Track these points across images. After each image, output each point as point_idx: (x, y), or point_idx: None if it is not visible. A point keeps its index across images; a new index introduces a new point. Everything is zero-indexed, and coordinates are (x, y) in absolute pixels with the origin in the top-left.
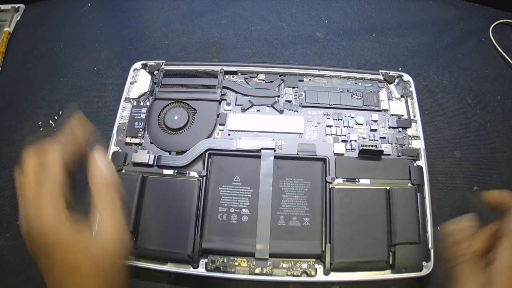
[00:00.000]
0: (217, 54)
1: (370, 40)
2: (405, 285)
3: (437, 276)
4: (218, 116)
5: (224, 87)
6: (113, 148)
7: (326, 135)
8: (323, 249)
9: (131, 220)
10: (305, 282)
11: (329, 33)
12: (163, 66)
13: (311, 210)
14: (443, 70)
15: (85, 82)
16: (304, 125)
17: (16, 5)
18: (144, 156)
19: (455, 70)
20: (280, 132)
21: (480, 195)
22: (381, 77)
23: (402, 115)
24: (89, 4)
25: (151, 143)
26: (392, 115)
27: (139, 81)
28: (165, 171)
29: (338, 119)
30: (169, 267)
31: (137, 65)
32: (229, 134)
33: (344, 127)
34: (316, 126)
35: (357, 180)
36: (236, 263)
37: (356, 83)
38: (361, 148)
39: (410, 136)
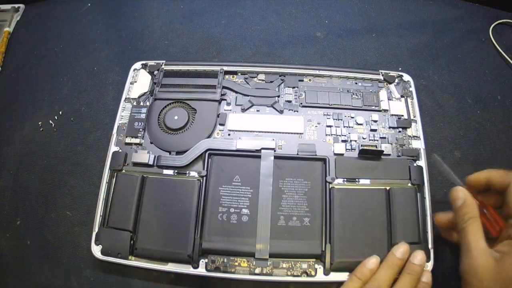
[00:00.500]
0: (217, 54)
1: (370, 40)
2: None
3: (437, 276)
4: (218, 116)
5: (224, 87)
6: (113, 148)
7: (326, 135)
8: (323, 249)
9: (131, 220)
10: (305, 282)
11: (329, 33)
12: (163, 66)
13: (311, 210)
14: (443, 70)
15: (85, 82)
16: (304, 125)
17: (16, 5)
18: (144, 156)
19: (455, 70)
20: (280, 132)
21: (466, 180)
22: (381, 77)
23: (402, 115)
24: (89, 4)
25: (151, 143)
26: (392, 115)
27: (139, 81)
28: (165, 171)
29: (338, 119)
30: (169, 267)
31: (137, 65)
32: (229, 134)
33: (344, 127)
34: (316, 126)
35: (357, 180)
36: (236, 263)
37: (356, 83)
38: (361, 148)
39: (410, 136)
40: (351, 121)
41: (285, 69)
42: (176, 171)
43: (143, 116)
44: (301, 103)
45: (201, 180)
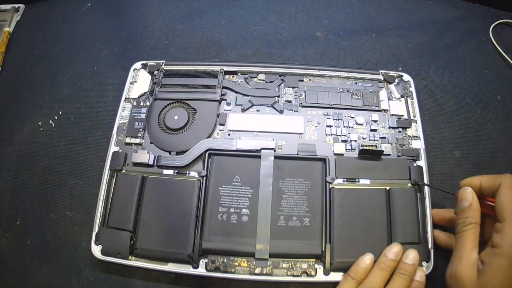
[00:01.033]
0: (217, 54)
1: (370, 40)
2: None
3: (437, 276)
4: (218, 116)
5: (224, 87)
6: (113, 148)
7: (326, 135)
8: (323, 249)
9: (131, 220)
10: (305, 282)
11: (329, 33)
12: (163, 66)
13: (311, 210)
14: (443, 70)
15: (85, 82)
16: (304, 125)
17: (16, 5)
18: (144, 156)
19: (455, 70)
20: (280, 132)
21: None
22: (381, 77)
23: (402, 115)
24: (89, 4)
25: (151, 143)
26: (392, 115)
27: (139, 81)
28: (165, 171)
29: (338, 119)
30: (169, 267)
31: (137, 65)
32: (229, 134)
33: (344, 127)
34: (316, 126)
35: (357, 180)
36: (236, 263)
37: (356, 83)
38: (361, 148)
39: (410, 136)
40: (351, 121)
41: (285, 69)
42: (176, 171)
43: (143, 116)
44: (301, 103)
45: (201, 180)
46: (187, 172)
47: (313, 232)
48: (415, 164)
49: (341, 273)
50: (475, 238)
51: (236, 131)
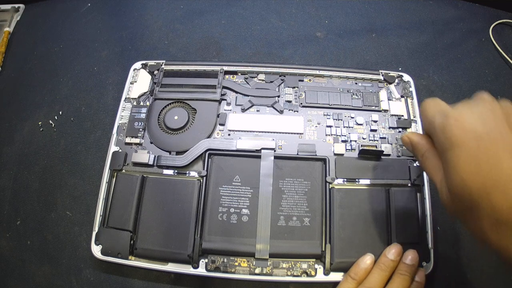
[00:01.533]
0: (217, 54)
1: (370, 40)
2: None
3: (437, 276)
4: (218, 116)
5: (224, 87)
6: (113, 148)
7: (326, 135)
8: (323, 249)
9: (131, 220)
10: (305, 282)
11: (329, 33)
12: (163, 66)
13: (311, 210)
14: (443, 70)
15: (85, 82)
16: (304, 125)
17: (16, 5)
18: (144, 156)
19: (455, 70)
20: (280, 132)
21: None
22: (381, 77)
23: (402, 115)
24: (89, 4)
25: (151, 143)
26: (392, 115)
27: (139, 81)
28: (165, 171)
29: (338, 119)
30: (169, 267)
31: (137, 65)
32: (229, 134)
33: (344, 127)
34: (316, 126)
35: (357, 180)
36: (236, 263)
37: (356, 83)
38: (361, 148)
39: None
40: (351, 121)
41: (285, 69)
42: (176, 171)
43: (143, 116)
44: (301, 103)
45: (201, 180)
46: (187, 172)
47: (313, 232)
48: (415, 164)
49: (341, 273)
50: (435, 162)
51: (236, 131)
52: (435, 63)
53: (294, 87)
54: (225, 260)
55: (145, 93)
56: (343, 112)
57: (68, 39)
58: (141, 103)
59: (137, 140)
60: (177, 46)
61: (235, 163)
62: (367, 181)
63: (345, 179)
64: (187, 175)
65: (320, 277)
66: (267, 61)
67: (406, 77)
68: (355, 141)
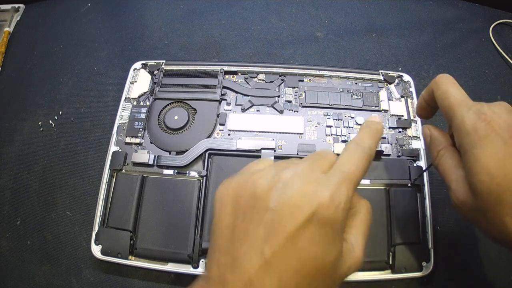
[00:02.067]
0: (217, 54)
1: (370, 40)
2: (405, 285)
3: (437, 276)
4: (218, 116)
5: (224, 87)
6: (113, 148)
7: (326, 135)
8: None
9: (131, 220)
10: None
11: (329, 33)
12: (163, 66)
13: None
14: (443, 70)
15: (85, 82)
16: (304, 125)
17: (16, 5)
18: (144, 156)
19: (455, 70)
20: (280, 132)
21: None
22: (381, 77)
23: (402, 116)
24: (89, 4)
25: (151, 143)
26: (392, 115)
27: (139, 81)
28: (165, 171)
29: (338, 119)
30: (169, 267)
31: (137, 65)
32: (229, 134)
33: (344, 127)
34: (316, 126)
35: None
36: None
37: (356, 83)
38: None
39: (410, 136)
40: (351, 121)
41: (285, 69)
42: (176, 171)
43: (143, 116)
44: (301, 103)
45: (201, 180)
46: (187, 172)
47: None
48: (415, 164)
49: None
50: (451, 160)
51: (236, 131)
52: (435, 63)
53: (294, 87)
54: None
55: (145, 93)
56: (343, 112)
57: (68, 39)
58: (141, 103)
59: (137, 140)
60: (177, 46)
61: (235, 163)
62: (367, 181)
63: None
64: (187, 175)
65: None
66: (267, 61)
67: (406, 77)
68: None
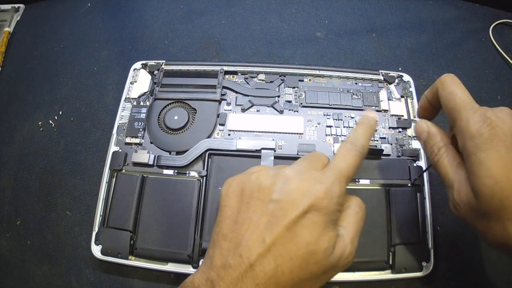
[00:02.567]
0: (217, 54)
1: (370, 40)
2: (405, 285)
3: (437, 276)
4: (218, 116)
5: (224, 87)
6: (113, 148)
7: (326, 135)
8: None
9: (131, 220)
10: None
11: (329, 33)
12: (163, 66)
13: None
14: (443, 70)
15: (85, 82)
16: (304, 125)
17: (16, 5)
18: (144, 156)
19: (455, 70)
20: (280, 132)
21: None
22: (381, 77)
23: (402, 116)
24: (89, 4)
25: (151, 143)
26: (392, 115)
27: (139, 81)
28: (165, 171)
29: (338, 119)
30: (169, 267)
31: (137, 65)
32: (229, 134)
33: (344, 127)
34: (316, 126)
35: (357, 180)
36: None
37: (356, 83)
38: None
39: (410, 136)
40: (351, 121)
41: (285, 69)
42: (176, 171)
43: (143, 116)
44: (301, 103)
45: (201, 180)
46: (187, 172)
47: None
48: (415, 164)
49: (341, 273)
50: (453, 159)
51: (236, 131)
52: (435, 63)
53: (294, 87)
54: None
55: (145, 93)
56: (343, 112)
57: (68, 39)
58: (141, 103)
59: (137, 140)
60: (177, 46)
61: (235, 163)
62: (367, 181)
63: None
64: (187, 175)
65: None
66: (267, 61)
67: (406, 77)
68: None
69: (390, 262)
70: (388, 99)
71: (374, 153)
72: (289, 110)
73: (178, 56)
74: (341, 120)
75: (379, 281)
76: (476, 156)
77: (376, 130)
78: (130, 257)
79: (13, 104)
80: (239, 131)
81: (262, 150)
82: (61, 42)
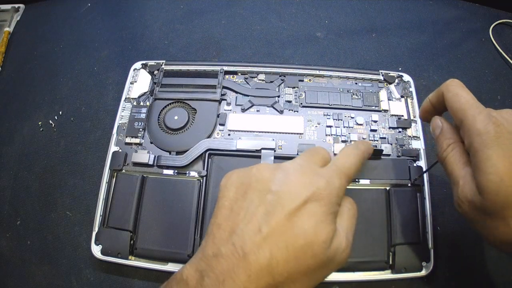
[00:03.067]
0: (217, 54)
1: (370, 40)
2: (405, 285)
3: (437, 276)
4: (218, 116)
5: (224, 87)
6: (113, 148)
7: (326, 135)
8: None
9: (131, 220)
10: None
11: (329, 33)
12: (163, 66)
13: None
14: (443, 70)
15: (85, 82)
16: (304, 125)
17: (16, 5)
18: (144, 156)
19: (455, 70)
20: (280, 132)
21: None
22: (381, 77)
23: (402, 116)
24: (89, 4)
25: (151, 143)
26: (392, 115)
27: (139, 81)
28: (165, 171)
29: (338, 119)
30: (169, 267)
31: (137, 65)
32: (229, 134)
33: (344, 127)
34: (316, 126)
35: (357, 180)
36: None
37: (356, 83)
38: None
39: (410, 136)
40: (351, 121)
41: (285, 69)
42: (176, 171)
43: (143, 116)
44: (301, 103)
45: (201, 180)
46: (187, 172)
47: None
48: (415, 164)
49: (341, 273)
50: (460, 156)
51: (236, 131)
52: (435, 63)
53: (294, 87)
54: None
55: (145, 93)
56: (343, 112)
57: (68, 39)
58: (141, 103)
59: (137, 140)
60: (177, 46)
61: (235, 163)
62: (367, 181)
63: None
64: (187, 175)
65: None
66: (267, 61)
67: (406, 77)
68: (355, 141)
69: (390, 262)
70: (388, 99)
71: (374, 153)
72: (289, 110)
73: (178, 56)
74: (341, 120)
75: (379, 281)
76: (482, 153)
77: (376, 130)
78: (130, 257)
79: (13, 104)
80: (239, 131)
81: (262, 150)
82: (61, 42)
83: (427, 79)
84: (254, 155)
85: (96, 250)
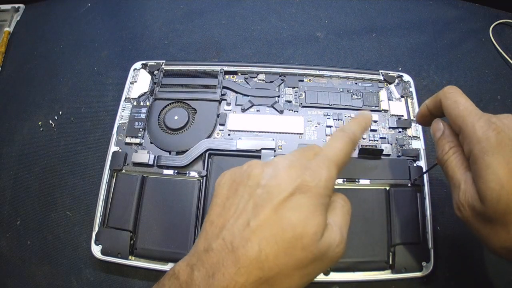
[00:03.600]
0: (217, 54)
1: (370, 40)
2: (405, 285)
3: (437, 276)
4: (218, 116)
5: (224, 87)
6: (113, 148)
7: (326, 135)
8: None
9: (131, 220)
10: None
11: (329, 33)
12: (163, 66)
13: None
14: (443, 70)
15: (85, 82)
16: (304, 125)
17: (16, 5)
18: (144, 156)
19: (455, 70)
20: (280, 132)
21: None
22: (381, 77)
23: (402, 116)
24: (89, 4)
25: (151, 143)
26: (392, 115)
27: (139, 81)
28: (165, 171)
29: (338, 120)
30: (169, 267)
31: (137, 65)
32: (229, 134)
33: None
34: (316, 126)
35: (357, 180)
36: None
37: (356, 83)
38: (360, 147)
39: (410, 136)
40: None
41: (285, 69)
42: (176, 171)
43: (143, 116)
44: (301, 103)
45: (201, 180)
46: (187, 172)
47: None
48: (415, 164)
49: (341, 273)
50: (462, 160)
51: (236, 131)
52: (435, 63)
53: (294, 87)
54: None
55: (145, 93)
56: (343, 112)
57: (68, 39)
58: (141, 103)
59: (137, 140)
60: (177, 46)
61: (235, 163)
62: (367, 181)
63: (345, 179)
64: (187, 175)
65: (320, 277)
66: (267, 61)
67: (406, 77)
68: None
69: (390, 262)
70: (388, 99)
71: (374, 153)
72: (289, 110)
73: (178, 56)
74: (341, 120)
75: (379, 281)
76: (483, 160)
77: (376, 130)
78: (130, 257)
79: (13, 104)
80: (239, 131)
81: (262, 150)
82: (61, 42)
83: (427, 79)
84: (254, 155)
85: (96, 250)
